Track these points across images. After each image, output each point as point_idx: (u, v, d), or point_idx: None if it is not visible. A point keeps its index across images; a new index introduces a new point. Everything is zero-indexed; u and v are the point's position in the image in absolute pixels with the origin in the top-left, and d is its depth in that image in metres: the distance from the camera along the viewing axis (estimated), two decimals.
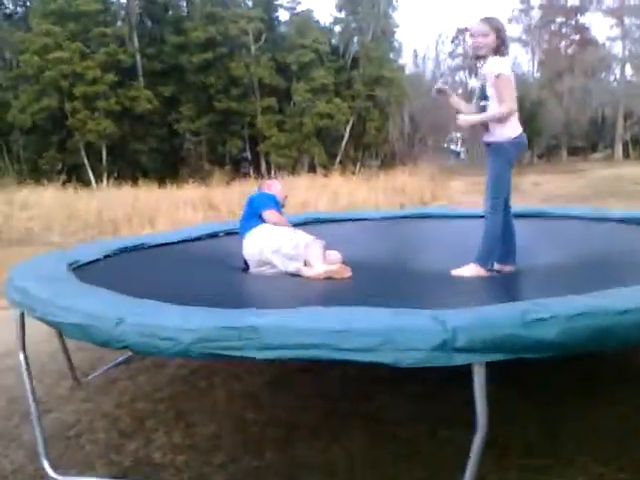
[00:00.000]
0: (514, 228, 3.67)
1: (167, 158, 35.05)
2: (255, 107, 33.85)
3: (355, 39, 37.05)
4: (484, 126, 3.52)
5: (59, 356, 3.97)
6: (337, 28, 38.73)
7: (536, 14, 50.98)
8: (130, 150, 33.24)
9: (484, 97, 3.48)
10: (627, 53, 43.48)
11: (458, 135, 49.06)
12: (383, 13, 37.88)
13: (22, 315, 2.78)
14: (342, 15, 38.61)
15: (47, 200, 17.90)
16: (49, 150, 32.01)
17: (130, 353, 4.28)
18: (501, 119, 3.42)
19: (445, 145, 49.93)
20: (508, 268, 3.61)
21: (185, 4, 36.46)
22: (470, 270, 3.45)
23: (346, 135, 36.11)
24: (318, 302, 2.90)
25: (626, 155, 42.46)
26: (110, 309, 2.19)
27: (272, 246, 3.90)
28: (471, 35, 3.49)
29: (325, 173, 26.12)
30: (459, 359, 1.78)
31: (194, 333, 1.92)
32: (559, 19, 50.61)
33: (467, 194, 22.03)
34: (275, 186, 4.55)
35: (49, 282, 2.74)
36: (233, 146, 34.18)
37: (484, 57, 3.44)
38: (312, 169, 33.20)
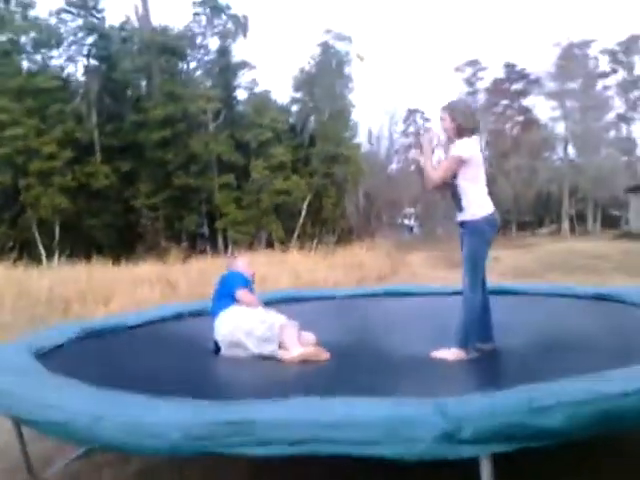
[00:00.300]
0: (489, 305, 3.65)
1: (122, 234, 34.56)
2: (213, 183, 34.02)
3: (312, 118, 38.12)
4: (457, 206, 3.57)
5: (8, 449, 3.70)
6: (294, 107, 39.84)
7: (482, 97, 53.98)
8: (84, 226, 32.70)
9: (454, 176, 3.54)
10: (569, 133, 45.88)
11: (411, 211, 50.27)
12: (339, 93, 39.26)
13: None
14: (299, 95, 39.84)
15: None
16: (0, 227, 31.22)
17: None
18: (428, 180, 3.61)
19: (399, 220, 50.93)
20: (489, 346, 3.55)
21: (144, 83, 37.09)
22: (451, 354, 3.38)
23: (303, 211, 36.51)
24: (300, 389, 2.81)
25: (572, 230, 44.10)
26: (89, 404, 2.05)
27: (245, 328, 3.79)
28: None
29: (283, 249, 26.15)
30: (465, 451, 1.71)
31: (184, 429, 1.80)
32: (504, 102, 53.60)
33: (425, 268, 22.32)
34: (243, 263, 4.50)
35: (16, 374, 2.58)
36: (190, 222, 34.06)
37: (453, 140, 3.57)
38: (269, 245, 33.21)
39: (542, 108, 49.55)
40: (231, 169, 34.66)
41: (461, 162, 3.47)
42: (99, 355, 3.52)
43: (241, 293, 4.05)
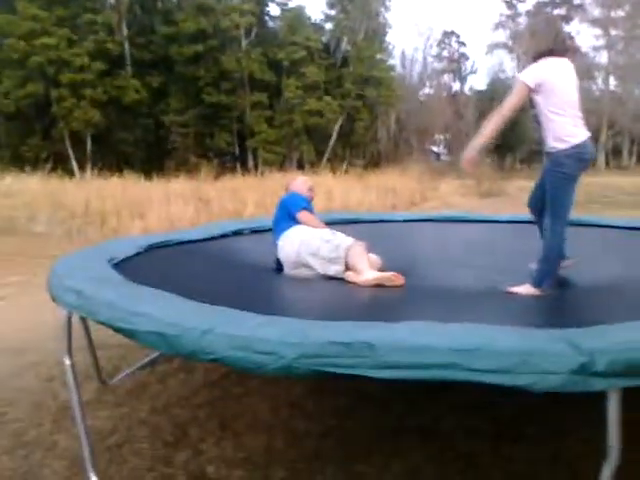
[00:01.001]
0: (546, 247, 3.37)
1: (153, 150, 34.55)
2: (245, 102, 33.47)
3: (346, 38, 36.87)
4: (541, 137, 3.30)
5: (78, 355, 3.77)
6: (328, 25, 38.49)
7: (522, 20, 51.54)
8: (115, 140, 32.67)
9: (533, 106, 3.25)
10: (611, 63, 43.96)
11: (441, 137, 49.32)
12: (375, 13, 37.79)
13: (69, 317, 2.59)
14: (333, 13, 38.41)
15: (32, 188, 17.47)
16: (32, 137, 31.31)
17: (156, 353, 4.12)
18: (497, 124, 3.24)
19: (428, 146, 50.09)
20: (566, 263, 3.44)
21: None
22: (526, 290, 3.22)
23: (335, 133, 35.96)
24: (385, 312, 2.76)
25: (607, 164, 43.04)
26: (194, 317, 2.02)
27: (310, 248, 3.73)
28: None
29: (314, 171, 25.96)
30: (598, 384, 1.64)
31: (299, 347, 1.76)
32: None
33: (456, 196, 22.09)
34: (303, 184, 4.39)
35: (105, 283, 2.55)
36: (221, 140, 33.77)
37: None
38: (300, 166, 33.02)
39: (585, 35, 47.27)
40: (264, 88, 34.00)
41: (527, 88, 3.13)
42: (175, 268, 3.51)
43: (303, 215, 3.97)
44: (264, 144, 33.59)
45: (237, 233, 4.82)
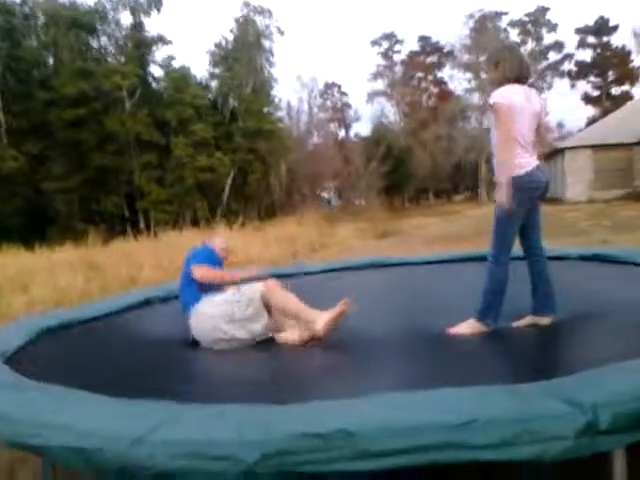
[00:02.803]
0: (548, 274, 3.20)
1: (33, 219, 32.58)
2: (133, 163, 32.60)
3: (233, 94, 37.12)
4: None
5: None
6: (214, 83, 38.67)
7: (398, 70, 54.55)
8: None
9: (491, 132, 3.19)
10: (483, 103, 47.11)
11: (331, 184, 50.43)
12: (259, 68, 38.46)
13: None
14: (218, 70, 38.72)
15: None
16: None
17: None
18: (502, 154, 3.02)
19: (319, 193, 50.99)
20: (545, 320, 3.13)
21: (52, 61, 34.74)
22: (469, 327, 3.06)
23: (227, 188, 35.74)
24: (343, 380, 2.48)
25: (488, 196, 45.64)
26: (118, 421, 1.64)
27: (224, 317, 3.29)
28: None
29: (211, 226, 25.45)
30: (605, 444, 1.45)
31: (261, 447, 1.44)
32: (419, 74, 54.43)
33: (354, 239, 22.35)
34: (219, 242, 4.02)
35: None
36: (109, 203, 32.52)
37: None
38: (194, 223, 32.33)
39: (457, 79, 50.63)
40: (152, 148, 33.33)
41: (492, 110, 3.09)
42: (81, 355, 3.03)
43: (195, 269, 3.50)
44: (155, 204, 32.73)
45: (146, 303, 4.37)
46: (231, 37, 39.14)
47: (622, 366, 1.71)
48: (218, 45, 38.99)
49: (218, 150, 34.74)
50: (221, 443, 1.47)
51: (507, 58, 3.21)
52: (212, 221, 30.45)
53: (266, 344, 3.22)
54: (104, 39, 35.30)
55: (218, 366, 2.96)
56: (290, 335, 3.19)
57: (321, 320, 3.05)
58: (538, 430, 1.40)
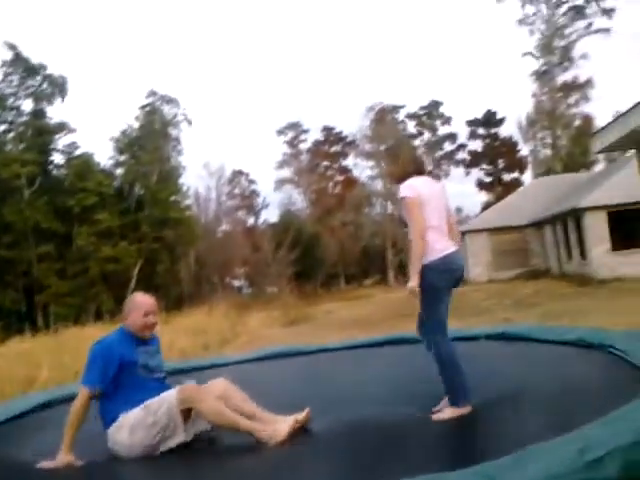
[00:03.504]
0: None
1: None
2: (30, 254, 31.10)
3: (139, 182, 36.76)
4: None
5: None
6: (119, 171, 38.23)
7: (304, 158, 56.37)
8: None
9: (405, 223, 3.39)
10: (386, 190, 49.25)
11: (241, 271, 50.15)
12: (166, 156, 38.54)
13: None
14: (123, 158, 38.40)
15: None
16: None
17: None
18: (421, 243, 3.16)
19: (229, 281, 50.51)
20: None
21: None
22: (450, 413, 3.03)
23: (134, 278, 34.66)
24: None
25: (396, 279, 46.86)
26: None
27: (143, 443, 2.97)
28: None
29: (116, 320, 24.36)
30: None
31: None
32: (325, 163, 56.46)
33: (264, 328, 22.05)
34: (139, 308, 3.29)
35: None
36: (6, 298, 30.56)
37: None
38: (98, 317, 30.88)
39: (361, 167, 53.15)
40: (51, 237, 32.01)
41: (403, 203, 3.29)
42: None
43: (81, 389, 3.03)
44: (55, 298, 31.07)
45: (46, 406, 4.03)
46: (137, 125, 39.20)
47: (545, 444, 1.73)
48: (123, 132, 38.85)
49: (124, 239, 33.91)
50: None
51: (407, 153, 3.56)
52: (118, 314, 29.26)
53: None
54: (3, 126, 34.37)
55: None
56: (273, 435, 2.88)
57: (285, 425, 2.88)
58: None
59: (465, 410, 3.02)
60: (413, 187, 3.28)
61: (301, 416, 2.95)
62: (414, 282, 3.12)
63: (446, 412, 3.05)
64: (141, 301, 3.33)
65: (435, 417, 3.05)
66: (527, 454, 1.67)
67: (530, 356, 3.97)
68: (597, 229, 20.85)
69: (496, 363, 3.77)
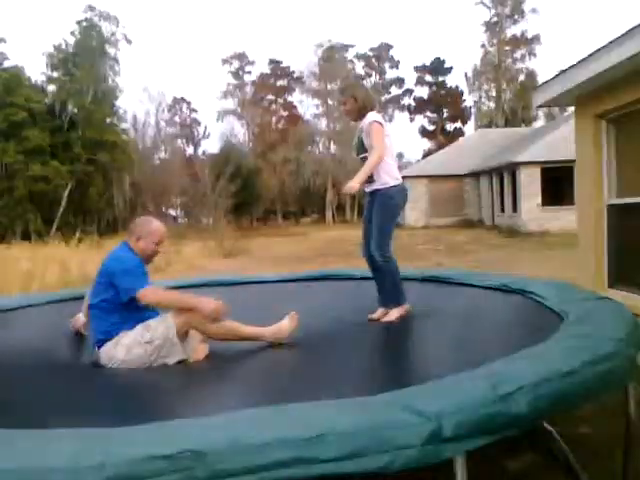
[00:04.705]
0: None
1: None
2: None
3: (72, 100, 34.91)
4: (368, 177, 3.66)
5: None
6: (52, 88, 36.18)
7: (249, 90, 54.98)
8: None
9: (363, 150, 3.70)
10: (330, 130, 48.96)
11: (177, 200, 49.27)
12: (103, 76, 36.68)
13: None
14: (56, 74, 36.30)
15: None
16: None
17: None
18: (377, 165, 3.61)
19: (165, 210, 49.62)
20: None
21: None
22: (397, 312, 3.63)
23: (64, 200, 33.45)
24: (191, 395, 2.37)
25: (333, 219, 47.31)
26: None
27: (138, 362, 2.94)
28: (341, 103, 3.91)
29: (44, 241, 23.64)
30: (447, 451, 1.51)
31: (98, 472, 1.32)
32: (270, 96, 55.28)
33: (201, 258, 21.93)
34: (155, 234, 3.19)
35: None
36: None
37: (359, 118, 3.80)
38: (26, 237, 29.84)
39: (306, 105, 52.29)
40: None
41: (370, 128, 3.64)
42: None
43: (147, 294, 2.96)
44: None
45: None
46: (72, 40, 37.00)
47: (461, 376, 1.82)
48: (57, 47, 36.62)
49: (54, 159, 32.47)
50: (55, 471, 1.32)
51: (364, 91, 3.87)
52: (46, 235, 28.31)
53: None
54: None
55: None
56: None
57: (286, 323, 3.15)
58: (386, 440, 1.43)
59: (408, 307, 3.68)
60: (380, 119, 3.72)
61: (294, 315, 3.17)
62: (355, 183, 3.56)
63: (394, 313, 3.62)
64: (157, 229, 3.23)
65: (385, 319, 3.61)
66: (441, 384, 1.76)
67: (456, 299, 4.13)
68: (530, 184, 21.52)
69: (423, 304, 3.90)
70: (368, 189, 3.74)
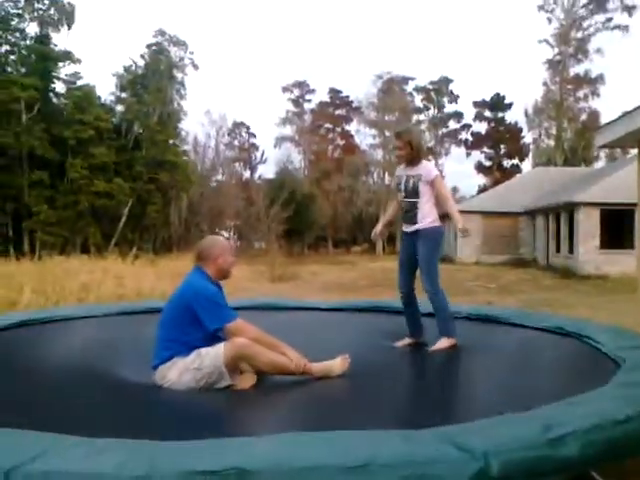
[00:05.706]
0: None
1: None
2: (22, 180, 30.81)
3: (138, 121, 36.22)
4: (411, 219, 4.07)
5: None
6: (119, 107, 37.69)
7: (307, 118, 55.82)
8: None
9: (416, 194, 4.04)
10: (385, 160, 49.05)
11: (231, 223, 50.08)
12: (169, 99, 38.00)
13: None
14: (125, 95, 37.82)
15: None
16: None
17: None
18: (454, 204, 4.14)
19: (219, 232, 50.52)
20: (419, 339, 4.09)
21: None
22: (447, 342, 3.83)
23: (124, 216, 34.53)
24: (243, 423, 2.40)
25: (383, 249, 47.11)
26: None
27: (187, 386, 3.03)
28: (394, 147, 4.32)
29: (102, 255, 24.38)
30: None
31: None
32: (327, 125, 55.95)
33: (249, 282, 22.16)
34: (227, 251, 3.35)
35: None
36: None
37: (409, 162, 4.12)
38: (85, 250, 30.86)
39: (363, 134, 52.67)
40: (45, 166, 31.66)
41: (434, 177, 4.05)
42: None
43: (238, 327, 3.07)
44: (43, 226, 30.91)
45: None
46: (142, 63, 38.55)
47: (510, 416, 1.79)
48: (127, 69, 38.22)
49: (118, 176, 33.65)
50: (99, 475, 1.36)
51: (419, 139, 4.23)
52: (104, 250, 29.19)
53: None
54: (5, 47, 33.53)
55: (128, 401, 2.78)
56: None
57: (339, 362, 3.15)
58: (431, 475, 1.42)
59: (456, 340, 3.85)
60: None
61: (346, 358, 3.18)
62: (465, 224, 3.97)
63: (443, 342, 3.84)
64: (227, 242, 3.51)
65: (434, 347, 3.82)
66: (490, 422, 1.73)
67: (509, 339, 4.06)
68: (588, 225, 20.95)
69: (473, 342, 3.86)
70: (409, 229, 4.11)
